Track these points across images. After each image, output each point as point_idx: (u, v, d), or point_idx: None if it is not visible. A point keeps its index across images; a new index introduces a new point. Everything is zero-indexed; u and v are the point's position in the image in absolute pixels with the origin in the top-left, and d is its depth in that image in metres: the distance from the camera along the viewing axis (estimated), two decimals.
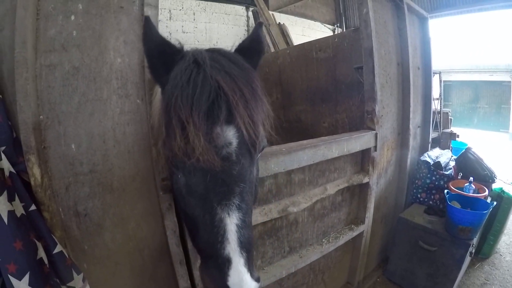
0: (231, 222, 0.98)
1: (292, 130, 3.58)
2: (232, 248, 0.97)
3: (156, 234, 1.50)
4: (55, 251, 1.17)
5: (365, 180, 2.47)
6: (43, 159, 1.22)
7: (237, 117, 0.94)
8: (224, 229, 0.98)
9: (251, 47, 1.21)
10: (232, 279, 0.95)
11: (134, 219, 1.44)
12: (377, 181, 2.73)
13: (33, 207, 1.15)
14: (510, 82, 16.16)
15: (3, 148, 1.11)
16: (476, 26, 18.07)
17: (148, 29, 1.04)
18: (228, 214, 0.98)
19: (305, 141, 2.05)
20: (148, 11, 1.39)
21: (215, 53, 1.07)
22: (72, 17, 1.27)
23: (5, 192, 1.05)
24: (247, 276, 0.98)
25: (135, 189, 1.42)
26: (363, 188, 2.55)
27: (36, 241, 1.11)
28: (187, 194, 1.03)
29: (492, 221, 3.52)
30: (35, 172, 1.18)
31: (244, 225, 1.01)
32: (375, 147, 2.46)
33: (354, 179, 2.40)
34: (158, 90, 1.26)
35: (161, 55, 1.05)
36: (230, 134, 0.96)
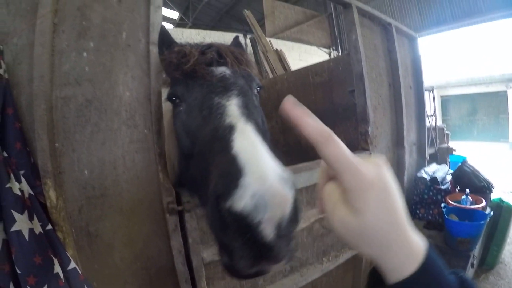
0: (231, 104, 1.04)
1: (291, 154, 3.63)
2: (234, 115, 0.97)
3: (162, 253, 1.57)
4: (69, 267, 1.25)
5: None
6: (59, 183, 1.31)
7: (225, 56, 1.27)
8: (223, 109, 1.01)
9: None
10: (241, 151, 0.77)
11: (142, 240, 1.52)
12: None
13: (49, 227, 1.25)
14: (506, 91, 16.28)
15: (22, 171, 1.22)
16: (469, 39, 18.37)
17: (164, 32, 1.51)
18: (227, 100, 1.06)
19: (300, 165, 2.12)
20: (153, 49, 1.53)
21: None
22: (84, 54, 1.40)
23: (26, 212, 1.15)
24: (263, 148, 0.80)
25: (143, 211, 1.50)
26: None
27: (53, 257, 1.20)
28: (192, 116, 1.15)
29: (493, 231, 3.53)
30: (51, 195, 1.27)
31: (251, 114, 1.02)
32: None
33: None
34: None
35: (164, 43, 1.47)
36: (220, 65, 1.25)
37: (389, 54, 3.15)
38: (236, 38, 1.65)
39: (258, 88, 1.37)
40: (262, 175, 0.70)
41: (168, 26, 10.78)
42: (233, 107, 1.01)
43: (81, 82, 1.39)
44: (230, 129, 0.90)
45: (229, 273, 0.84)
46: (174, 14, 17.17)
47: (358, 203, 0.47)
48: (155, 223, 1.53)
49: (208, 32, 7.08)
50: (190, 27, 12.90)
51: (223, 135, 0.89)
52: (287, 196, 0.70)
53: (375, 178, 0.47)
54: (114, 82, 1.46)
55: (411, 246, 0.48)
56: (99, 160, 1.41)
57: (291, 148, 3.77)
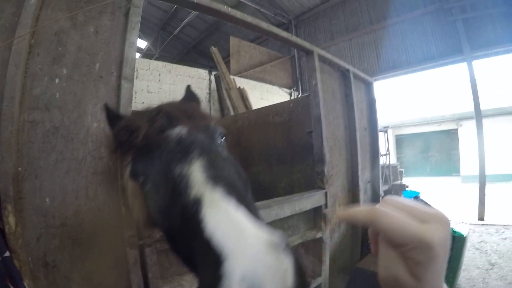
0: (194, 170, 0.89)
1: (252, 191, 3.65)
2: (200, 183, 0.83)
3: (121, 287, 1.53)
4: None
5: (318, 235, 2.59)
6: (18, 209, 1.26)
7: (176, 119, 1.12)
8: (187, 179, 0.87)
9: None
10: (215, 231, 0.65)
11: (102, 273, 1.47)
12: (331, 235, 2.88)
13: (7, 254, 1.20)
14: (456, 129, 17.71)
15: None
16: (423, 82, 20.01)
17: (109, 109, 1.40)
18: (189, 166, 0.91)
19: (259, 203, 2.17)
20: (124, 84, 1.56)
21: None
22: (57, 80, 1.40)
23: None
24: (239, 216, 0.69)
25: (103, 244, 1.47)
26: (317, 243, 2.66)
27: (10, 285, 1.16)
28: (160, 194, 0.99)
29: (448, 260, 3.71)
30: (10, 221, 1.21)
31: (220, 171, 0.90)
32: (326, 204, 2.63)
33: (307, 235, 2.52)
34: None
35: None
36: (174, 127, 1.09)
37: (346, 98, 3.38)
38: (188, 88, 1.57)
39: (223, 138, 1.25)
40: (246, 250, 0.60)
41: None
42: (196, 174, 0.89)
43: (51, 108, 1.38)
44: (197, 204, 0.78)
45: None
46: (142, 44, 17.21)
47: (424, 274, 0.46)
48: (115, 257, 1.50)
49: (174, 66, 7.17)
50: (157, 59, 13.00)
51: (191, 215, 0.78)
52: (284, 262, 0.59)
53: (441, 248, 0.46)
54: (83, 111, 1.46)
55: None
56: (62, 189, 1.38)
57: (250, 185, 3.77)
